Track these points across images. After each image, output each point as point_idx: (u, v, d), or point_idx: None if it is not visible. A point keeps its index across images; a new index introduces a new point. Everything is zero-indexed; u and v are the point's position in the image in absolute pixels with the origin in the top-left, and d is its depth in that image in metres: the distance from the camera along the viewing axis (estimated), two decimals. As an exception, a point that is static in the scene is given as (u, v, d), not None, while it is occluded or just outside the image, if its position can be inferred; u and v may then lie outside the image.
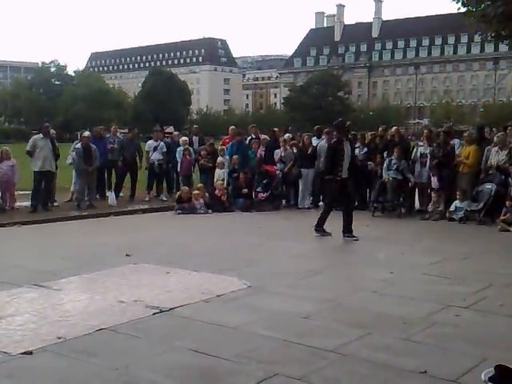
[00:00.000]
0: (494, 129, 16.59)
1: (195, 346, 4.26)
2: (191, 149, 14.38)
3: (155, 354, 4.14)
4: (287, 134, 14.22)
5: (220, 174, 13.49)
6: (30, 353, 4.13)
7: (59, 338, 4.42)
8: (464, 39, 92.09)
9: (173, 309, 5.19)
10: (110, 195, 12.93)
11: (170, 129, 41.72)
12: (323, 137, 12.96)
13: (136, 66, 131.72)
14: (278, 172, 12.97)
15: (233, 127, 15.24)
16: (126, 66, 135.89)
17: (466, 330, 4.60)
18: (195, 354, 4.13)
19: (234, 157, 13.23)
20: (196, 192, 12.42)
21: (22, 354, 4.11)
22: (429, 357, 4.04)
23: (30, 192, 11.85)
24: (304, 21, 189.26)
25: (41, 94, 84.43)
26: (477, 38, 69.12)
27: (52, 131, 12.65)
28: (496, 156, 10.74)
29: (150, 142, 14.19)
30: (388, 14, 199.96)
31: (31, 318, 4.94)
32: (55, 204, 12.36)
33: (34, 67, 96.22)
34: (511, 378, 3.29)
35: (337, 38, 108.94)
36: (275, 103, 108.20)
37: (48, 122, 14.03)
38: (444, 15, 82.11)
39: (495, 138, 11.32)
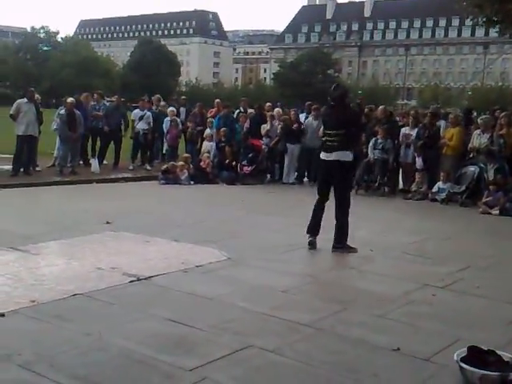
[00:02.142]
0: (480, 113, 16.62)
1: (171, 315, 4.23)
2: (178, 120, 14.28)
3: (129, 322, 4.11)
4: (277, 109, 14.12)
5: (207, 147, 13.43)
6: (2, 315, 4.08)
7: (33, 302, 4.37)
8: (455, 22, 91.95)
9: (150, 277, 5.15)
10: (94, 162, 12.82)
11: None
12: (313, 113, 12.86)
13: (125, 35, 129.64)
14: (263, 146, 12.91)
15: (218, 100, 15.14)
16: (115, 35, 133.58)
17: (441, 310, 4.62)
18: (170, 323, 4.11)
19: (222, 129, 13.14)
20: (181, 163, 12.34)
21: (-5, 316, 4.06)
22: (403, 335, 4.05)
23: (12, 156, 11.72)
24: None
25: (28, 60, 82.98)
26: (468, 22, 68.59)
27: (37, 96, 12.48)
28: (478, 139, 10.79)
29: (136, 111, 14.05)
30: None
31: (6, 281, 4.87)
32: (37, 169, 12.24)
33: (22, 32, 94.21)
34: (483, 359, 3.33)
35: (329, 15, 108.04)
36: (265, 78, 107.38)
37: (34, 88, 13.79)
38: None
39: (479, 121, 11.38)
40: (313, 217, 6.66)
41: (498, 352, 3.40)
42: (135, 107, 16.22)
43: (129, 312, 4.32)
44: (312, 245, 6.57)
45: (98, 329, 3.92)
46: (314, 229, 6.62)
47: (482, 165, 10.49)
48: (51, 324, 4.01)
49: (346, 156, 6.50)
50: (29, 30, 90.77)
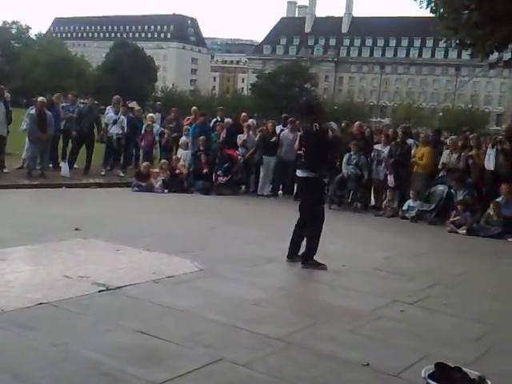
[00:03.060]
0: (450, 134, 16.98)
1: (141, 326, 4.16)
2: (156, 125, 14.20)
3: (98, 333, 4.03)
4: (251, 120, 14.15)
5: (182, 154, 13.35)
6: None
7: (-2, 310, 4.25)
8: (429, 43, 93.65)
9: (120, 287, 5.06)
10: (64, 166, 12.46)
11: (133, 104, 41.00)
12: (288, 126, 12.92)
13: (101, 35, 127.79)
14: (239, 157, 12.90)
15: (195, 108, 15.13)
16: (90, 35, 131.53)
17: (410, 326, 4.68)
18: (140, 334, 4.04)
19: (201, 138, 13.08)
20: (155, 170, 12.23)
21: (-42, 323, 3.94)
22: (373, 350, 4.08)
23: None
24: (276, 9, 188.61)
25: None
26: (441, 44, 70.26)
27: (7, 94, 12.17)
28: (447, 159, 11.03)
29: (110, 114, 13.85)
30: (359, 11, 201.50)
31: (-30, 287, 4.74)
32: (5, 170, 11.88)
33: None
34: (450, 376, 3.37)
35: (307, 29, 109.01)
36: (242, 88, 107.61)
37: (4, 85, 13.47)
38: (412, 18, 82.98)
39: (448, 142, 11.69)
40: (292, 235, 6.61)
41: (465, 369, 3.44)
42: (104, 108, 15.87)
43: (97, 322, 4.24)
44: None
45: (65, 339, 3.83)
46: (292, 250, 6.58)
47: (450, 184, 10.70)
48: (16, 333, 3.89)
49: (311, 173, 6.48)
50: (0, 24, 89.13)
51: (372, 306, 5.11)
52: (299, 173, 6.59)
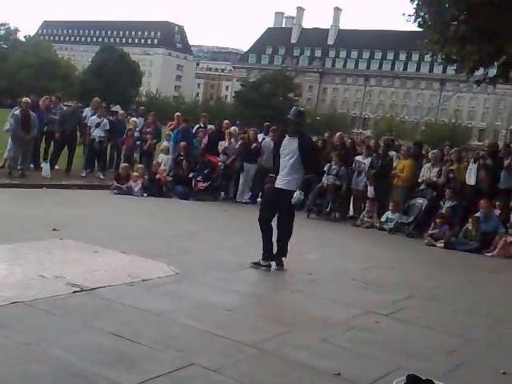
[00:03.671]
0: (430, 147, 17.13)
1: (114, 328, 4.16)
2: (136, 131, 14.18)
3: (70, 333, 4.02)
4: (233, 127, 14.20)
5: (163, 159, 13.35)
6: None
7: (-30, 307, 4.22)
8: (415, 57, 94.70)
9: (95, 289, 5.05)
10: (45, 166, 12.49)
11: (117, 108, 40.87)
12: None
13: (88, 39, 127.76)
14: (220, 163, 12.93)
15: (178, 114, 15.16)
16: (77, 39, 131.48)
17: (383, 338, 4.70)
18: (113, 336, 4.04)
19: (182, 143, 13.10)
20: (135, 173, 12.22)
21: None
22: (345, 360, 4.10)
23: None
24: (262, 19, 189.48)
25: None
26: (427, 58, 71.38)
27: (-9, 95, 12.14)
28: (428, 172, 11.14)
29: (93, 117, 13.82)
30: (345, 23, 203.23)
31: None
32: (-15, 169, 11.87)
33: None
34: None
35: (293, 39, 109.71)
36: (226, 96, 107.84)
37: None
38: (398, 32, 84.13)
39: (430, 155, 11.77)
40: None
41: (436, 382, 3.48)
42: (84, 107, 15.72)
43: (70, 323, 4.22)
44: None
45: (38, 339, 3.82)
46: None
47: (433, 196, 10.79)
48: (-12, 331, 3.87)
49: (290, 185, 6.52)
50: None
51: (346, 316, 5.14)
52: (285, 185, 6.56)
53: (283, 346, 4.22)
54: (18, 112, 12.07)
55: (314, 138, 13.30)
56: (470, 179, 10.72)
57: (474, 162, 10.87)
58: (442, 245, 9.84)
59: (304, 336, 4.50)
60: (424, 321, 5.27)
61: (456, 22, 12.61)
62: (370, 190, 11.62)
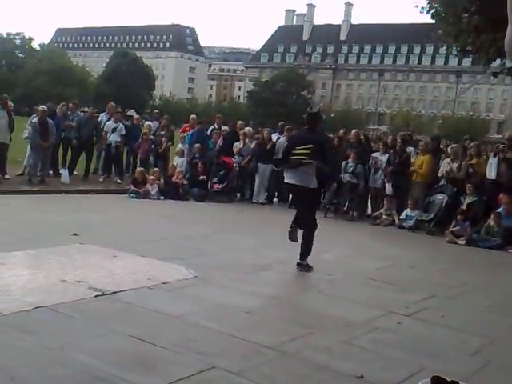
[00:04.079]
0: (448, 141, 16.97)
1: (135, 332, 4.18)
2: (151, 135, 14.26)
3: (93, 337, 4.05)
4: (248, 128, 14.21)
5: (179, 162, 13.40)
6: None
7: (-5, 313, 4.28)
8: (429, 50, 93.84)
9: (116, 292, 5.09)
10: (64, 172, 12.67)
11: (132, 112, 41.15)
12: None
13: (102, 45, 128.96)
14: (235, 165, 12.95)
15: (193, 116, 15.19)
16: (91, 45, 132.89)
17: (406, 338, 4.64)
18: (134, 340, 4.06)
19: (197, 145, 13.14)
20: (151, 177, 12.29)
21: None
22: (367, 362, 4.06)
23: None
24: (273, 17, 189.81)
25: (2, 66, 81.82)
26: (442, 51, 70.75)
27: (10, 103, 12.32)
28: (447, 167, 10.99)
29: (109, 122, 13.95)
30: (357, 18, 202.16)
31: (-32, 291, 4.76)
32: (6, 177, 12.04)
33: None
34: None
35: (305, 37, 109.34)
36: (239, 96, 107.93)
37: (7, 94, 13.64)
38: (411, 25, 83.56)
39: (449, 150, 11.61)
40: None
41: (461, 383, 3.44)
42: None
43: (92, 327, 4.26)
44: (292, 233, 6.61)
45: (61, 343, 3.85)
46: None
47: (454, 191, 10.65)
48: (13, 336, 3.92)
49: (310, 182, 6.51)
50: (4, 35, 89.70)
51: (367, 317, 5.09)
52: (294, 179, 6.56)
53: (304, 348, 4.20)
54: (35, 120, 12.27)
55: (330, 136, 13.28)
56: (491, 173, 10.51)
57: (494, 155, 10.66)
58: (464, 242, 9.68)
59: (325, 338, 4.47)
60: (447, 321, 5.20)
61: (468, 14, 12.49)
62: (388, 188, 11.50)
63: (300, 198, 6.81)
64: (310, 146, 6.49)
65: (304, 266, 6.60)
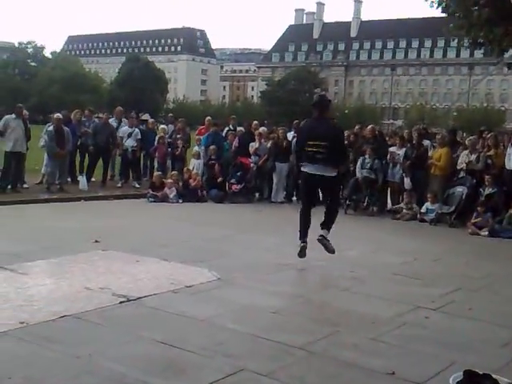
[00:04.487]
0: (464, 133, 16.81)
1: (161, 337, 4.17)
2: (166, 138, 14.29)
3: (120, 344, 4.05)
4: (262, 128, 14.17)
5: (195, 164, 13.42)
6: (-9, 337, 4.01)
7: (22, 323, 4.29)
8: (441, 43, 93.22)
9: (140, 298, 5.09)
10: (82, 179, 12.73)
11: (146, 116, 41.35)
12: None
13: (114, 51, 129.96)
14: (252, 165, 12.91)
15: (209, 118, 15.20)
16: (103, 51, 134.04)
17: (435, 333, 4.59)
18: (161, 345, 4.05)
19: (212, 147, 13.15)
20: (169, 180, 12.31)
21: (-18, 338, 3.98)
22: (397, 358, 4.02)
23: (-1, 172, 11.59)
24: (283, 17, 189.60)
25: (16, 75, 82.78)
26: (453, 43, 70.02)
27: (25, 112, 12.41)
28: (466, 159, 10.88)
29: (125, 128, 14.00)
30: (367, 15, 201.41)
31: (-7, 302, 4.79)
32: (25, 186, 12.13)
33: (10, 47, 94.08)
34: (479, 383, 3.30)
35: (315, 35, 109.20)
36: (252, 96, 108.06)
37: (22, 103, 13.76)
38: (422, 19, 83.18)
39: (466, 142, 11.49)
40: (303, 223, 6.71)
41: (494, 376, 3.37)
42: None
43: (119, 334, 4.26)
44: (302, 251, 6.59)
45: (88, 351, 3.85)
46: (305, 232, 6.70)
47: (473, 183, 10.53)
48: (41, 346, 3.93)
49: (330, 172, 6.56)
50: (16, 45, 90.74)
51: (394, 313, 5.04)
52: (316, 169, 6.52)
53: (332, 347, 4.17)
54: (51, 128, 12.33)
55: (346, 132, 13.18)
56: (510, 163, 10.38)
57: None
58: (487, 233, 9.59)
59: (353, 335, 4.43)
60: (475, 313, 5.14)
61: (478, 7, 12.36)
62: (407, 182, 11.41)
63: (321, 186, 6.80)
64: (324, 143, 6.43)
65: (327, 239, 6.63)
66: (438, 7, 14.08)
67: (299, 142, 7.15)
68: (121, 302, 4.95)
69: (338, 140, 6.64)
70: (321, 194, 7.34)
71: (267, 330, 4.44)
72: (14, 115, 11.69)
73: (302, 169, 6.72)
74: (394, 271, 6.65)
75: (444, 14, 14.61)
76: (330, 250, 6.65)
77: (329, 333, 4.46)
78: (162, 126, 14.96)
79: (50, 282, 5.56)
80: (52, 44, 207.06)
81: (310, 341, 4.24)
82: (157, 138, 14.07)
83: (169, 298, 5.20)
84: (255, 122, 14.62)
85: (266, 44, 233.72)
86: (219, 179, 12.67)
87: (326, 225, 6.72)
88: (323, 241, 6.64)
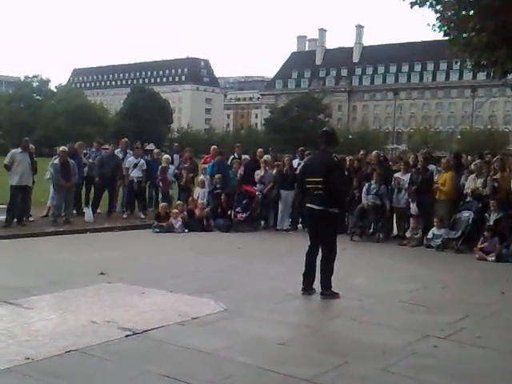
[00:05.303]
0: (469, 156, 16.78)
1: (168, 371, 4.14)
2: (172, 166, 14.33)
3: (126, 379, 4.02)
4: (266, 155, 14.22)
5: (200, 194, 13.43)
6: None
7: (27, 359, 4.28)
8: (443, 66, 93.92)
9: (146, 331, 5.06)
10: (87, 211, 12.75)
11: (151, 146, 41.64)
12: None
13: (118, 82, 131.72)
14: (257, 193, 12.92)
15: (214, 147, 15.25)
16: (108, 83, 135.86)
17: (444, 362, 4.53)
18: (168, 379, 4.02)
19: (217, 176, 13.17)
20: (175, 211, 12.31)
21: (-13, 375, 3.96)
22: (407, 389, 3.96)
23: (5, 206, 11.57)
24: (285, 44, 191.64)
25: (22, 108, 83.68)
26: (455, 66, 70.59)
27: (31, 146, 12.49)
28: (472, 184, 10.83)
29: (131, 158, 14.05)
30: (369, 40, 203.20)
31: (-1, 337, 4.77)
32: (30, 219, 12.13)
33: (16, 81, 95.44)
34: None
35: (318, 61, 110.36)
36: (256, 124, 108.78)
37: (28, 137, 13.88)
38: (424, 42, 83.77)
39: (472, 166, 11.43)
40: (305, 266, 6.66)
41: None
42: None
43: (125, 368, 4.22)
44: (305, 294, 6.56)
45: (94, 388, 3.82)
46: (308, 281, 6.62)
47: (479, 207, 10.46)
48: (46, 382, 3.91)
49: (330, 207, 6.52)
50: (22, 79, 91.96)
51: (403, 342, 4.98)
52: (317, 206, 6.54)
53: (341, 379, 4.12)
54: (57, 161, 12.39)
55: (348, 158, 13.22)
56: (515, 187, 10.36)
57: (517, 169, 10.56)
58: (494, 258, 9.50)
59: (362, 366, 4.38)
60: (484, 341, 5.09)
61: (474, 33, 12.47)
62: (413, 207, 11.35)
63: (319, 222, 6.64)
64: (320, 179, 6.48)
65: (329, 295, 6.51)
66: (440, 31, 14.20)
67: (299, 180, 7.15)
68: (127, 336, 4.92)
69: (331, 175, 6.50)
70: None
71: (275, 362, 4.40)
72: (20, 149, 11.75)
73: (306, 204, 6.75)
74: (402, 299, 6.59)
75: (446, 37, 14.74)
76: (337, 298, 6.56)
77: (337, 364, 4.41)
78: (166, 155, 15.00)
79: (56, 316, 5.54)
80: (58, 77, 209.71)
81: (318, 373, 4.19)
82: (160, 168, 14.03)
83: (175, 330, 5.17)
84: (260, 149, 14.68)
85: (269, 71, 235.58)
86: (223, 208, 12.64)
87: (324, 284, 6.54)
88: (326, 297, 6.53)
